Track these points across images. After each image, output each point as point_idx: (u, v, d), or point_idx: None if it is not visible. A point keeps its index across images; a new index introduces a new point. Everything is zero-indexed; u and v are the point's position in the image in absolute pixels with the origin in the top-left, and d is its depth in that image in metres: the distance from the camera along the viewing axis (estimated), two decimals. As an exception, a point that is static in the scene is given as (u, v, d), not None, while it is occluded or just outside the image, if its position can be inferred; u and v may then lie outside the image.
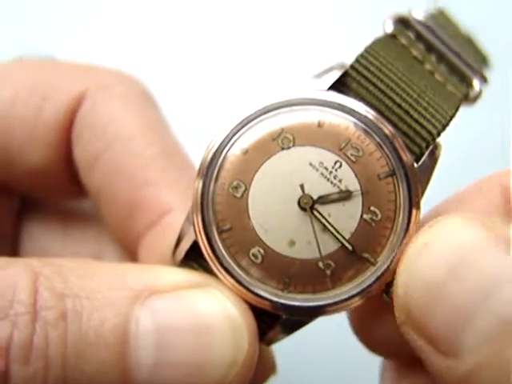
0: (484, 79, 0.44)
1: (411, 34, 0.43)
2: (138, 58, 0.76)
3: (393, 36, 0.43)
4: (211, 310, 0.38)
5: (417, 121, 0.40)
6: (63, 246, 0.52)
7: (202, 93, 0.77)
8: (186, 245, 0.41)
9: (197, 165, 0.40)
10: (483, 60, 0.47)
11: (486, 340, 0.32)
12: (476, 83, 0.43)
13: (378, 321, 0.42)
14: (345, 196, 0.39)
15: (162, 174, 0.46)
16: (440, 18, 0.46)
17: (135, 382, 0.36)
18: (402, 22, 0.44)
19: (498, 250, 0.33)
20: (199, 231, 0.40)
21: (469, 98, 0.43)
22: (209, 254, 0.40)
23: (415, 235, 0.37)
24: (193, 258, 0.41)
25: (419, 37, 0.43)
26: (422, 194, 0.40)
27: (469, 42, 0.47)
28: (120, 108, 0.47)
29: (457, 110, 0.42)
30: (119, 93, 0.48)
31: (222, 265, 0.40)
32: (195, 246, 0.40)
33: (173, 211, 0.46)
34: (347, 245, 0.38)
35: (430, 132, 0.40)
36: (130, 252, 0.48)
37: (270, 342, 0.43)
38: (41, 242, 0.53)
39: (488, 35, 0.49)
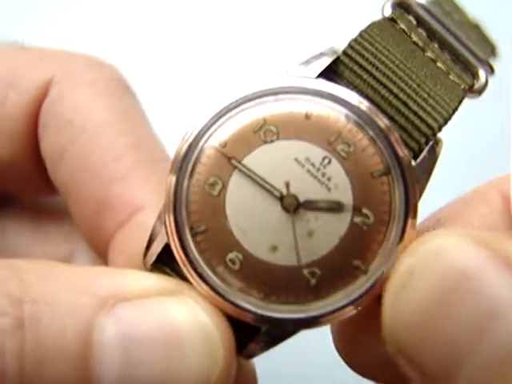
0: (491, 69, 0.40)
1: (412, 19, 0.40)
2: (116, 45, 0.72)
3: (391, 20, 0.39)
4: (183, 320, 0.35)
5: (416, 113, 0.36)
6: (34, 245, 0.49)
7: (184, 82, 0.73)
8: (157, 247, 0.37)
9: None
10: (491, 49, 0.43)
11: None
12: (482, 73, 0.40)
13: (366, 342, 0.38)
14: (334, 207, 0.35)
15: (133, 167, 0.42)
16: (445, 4, 0.42)
17: None
18: (403, 6, 0.40)
19: (496, 275, 0.29)
20: (171, 233, 0.36)
21: (474, 90, 0.40)
22: (181, 259, 0.36)
23: (401, 257, 0.33)
24: (165, 262, 0.37)
25: (420, 22, 0.40)
26: (420, 195, 0.36)
27: (476, 30, 0.43)
28: (88, 96, 0.43)
29: (460, 102, 0.38)
30: (88, 79, 0.44)
31: (195, 270, 0.36)
32: (168, 249, 0.37)
33: (145, 209, 0.42)
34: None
35: (430, 126, 0.36)
36: (101, 254, 0.44)
37: (250, 356, 0.39)
38: (12, 241, 0.50)
39: (489, 26, 0.45)
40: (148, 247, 0.38)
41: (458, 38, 0.40)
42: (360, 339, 0.39)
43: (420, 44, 0.39)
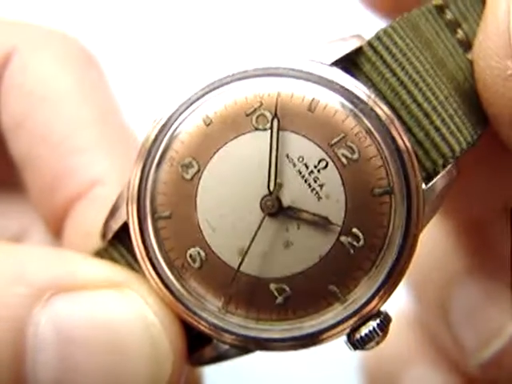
0: None
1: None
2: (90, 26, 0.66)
3: (439, 7, 0.33)
4: (125, 320, 0.30)
5: (438, 129, 0.31)
6: None
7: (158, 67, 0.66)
8: (116, 224, 0.33)
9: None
10: None
11: None
12: None
13: None
14: (320, 223, 0.30)
15: (94, 139, 0.38)
16: None
17: None
18: None
19: None
20: (132, 212, 0.31)
21: None
22: (137, 243, 0.31)
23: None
24: (122, 242, 0.33)
25: None
26: (423, 226, 0.31)
27: None
28: (51, 66, 0.40)
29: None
30: (51, 50, 0.40)
31: (150, 260, 0.31)
32: (127, 227, 0.32)
33: (104, 184, 0.37)
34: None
35: (451, 147, 0.31)
36: (54, 231, 0.40)
37: (197, 363, 0.34)
38: None
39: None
40: (107, 222, 0.33)
41: None
42: None
43: (465, 40, 0.33)
